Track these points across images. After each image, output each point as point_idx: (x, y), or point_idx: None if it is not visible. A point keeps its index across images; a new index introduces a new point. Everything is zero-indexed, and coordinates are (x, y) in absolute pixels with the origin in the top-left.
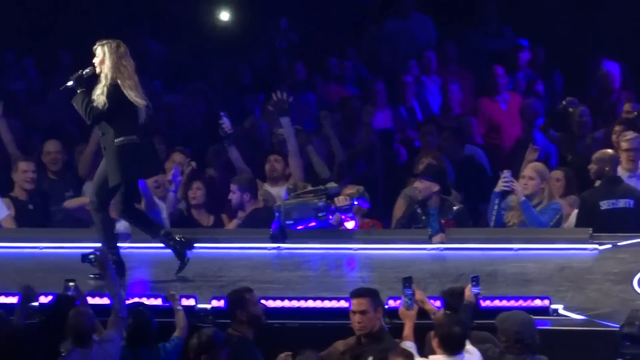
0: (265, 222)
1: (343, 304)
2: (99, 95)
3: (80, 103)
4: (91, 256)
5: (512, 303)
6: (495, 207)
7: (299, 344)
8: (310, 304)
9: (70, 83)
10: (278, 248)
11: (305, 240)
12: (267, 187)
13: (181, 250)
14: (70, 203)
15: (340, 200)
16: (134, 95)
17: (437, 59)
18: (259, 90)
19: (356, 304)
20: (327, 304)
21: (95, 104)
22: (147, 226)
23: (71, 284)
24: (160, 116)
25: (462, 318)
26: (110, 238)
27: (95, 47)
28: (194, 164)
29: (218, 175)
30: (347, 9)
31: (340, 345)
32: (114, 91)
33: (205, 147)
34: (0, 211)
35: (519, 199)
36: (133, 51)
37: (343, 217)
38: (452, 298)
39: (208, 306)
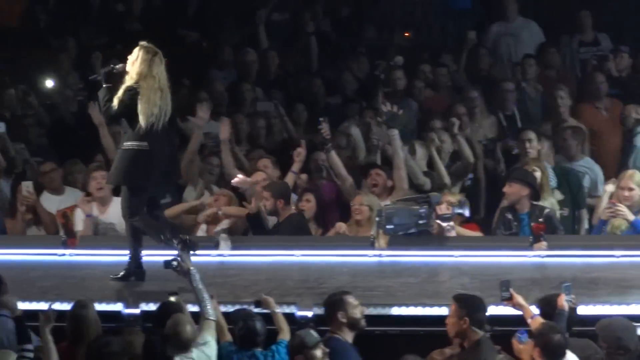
0: (300, 229)
1: (444, 310)
2: (118, 96)
3: (102, 98)
4: (174, 262)
5: (612, 309)
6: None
7: (400, 351)
8: (412, 310)
9: (99, 77)
10: (380, 255)
11: (407, 247)
12: (365, 198)
13: (135, 273)
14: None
15: (442, 209)
16: (147, 107)
17: (538, 65)
18: (362, 99)
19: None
20: (428, 310)
21: (112, 104)
22: (156, 229)
23: (172, 298)
24: (259, 123)
25: (560, 326)
26: (159, 233)
27: (135, 48)
28: (304, 176)
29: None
30: (445, 16)
31: (437, 354)
32: (131, 97)
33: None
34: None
35: (629, 220)
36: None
37: (444, 225)
38: (548, 306)
39: (309, 313)
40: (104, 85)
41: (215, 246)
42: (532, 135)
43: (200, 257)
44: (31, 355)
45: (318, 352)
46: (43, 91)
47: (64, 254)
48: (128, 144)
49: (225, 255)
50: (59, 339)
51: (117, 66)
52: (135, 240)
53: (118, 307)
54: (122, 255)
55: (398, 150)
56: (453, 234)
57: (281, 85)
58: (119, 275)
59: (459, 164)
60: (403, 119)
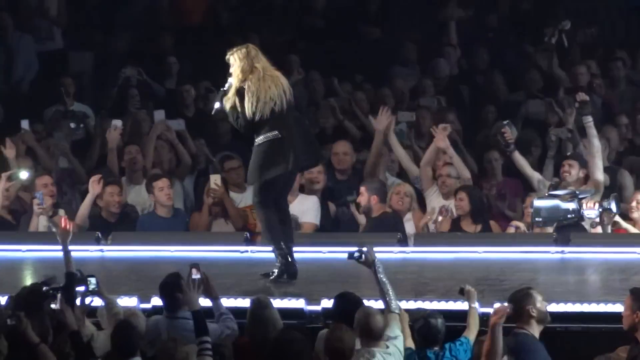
0: (392, 226)
1: None
2: (239, 104)
3: (231, 118)
4: (357, 253)
5: None
6: None
7: (582, 348)
8: (594, 307)
9: (217, 105)
10: (562, 252)
11: (587, 243)
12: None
13: (286, 270)
14: None
15: (589, 205)
16: (254, 101)
17: None
18: (546, 95)
19: None
20: (610, 307)
21: (239, 114)
22: (271, 230)
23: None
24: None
25: None
26: (276, 236)
27: (227, 57)
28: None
29: (497, 182)
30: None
31: (622, 351)
32: (241, 99)
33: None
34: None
35: None
36: None
37: (595, 220)
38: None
39: (490, 310)
40: (227, 111)
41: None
42: None
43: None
44: (209, 346)
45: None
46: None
47: (246, 251)
48: (258, 140)
49: (407, 252)
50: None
51: (226, 86)
52: (286, 237)
53: (300, 303)
54: (302, 252)
55: (592, 138)
56: (599, 230)
57: (466, 82)
58: (271, 274)
59: None
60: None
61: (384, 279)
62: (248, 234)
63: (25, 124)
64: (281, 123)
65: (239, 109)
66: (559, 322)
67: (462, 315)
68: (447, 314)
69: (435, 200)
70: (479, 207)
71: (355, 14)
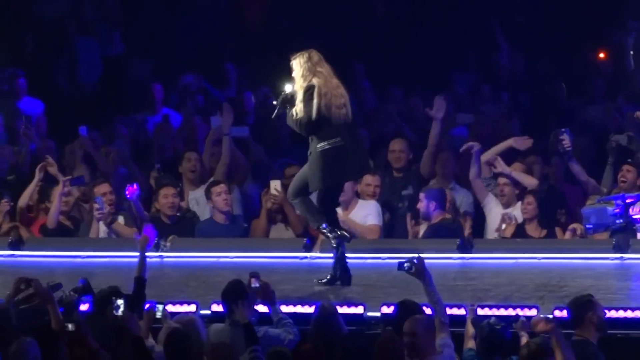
0: (452, 232)
1: None
2: (300, 107)
3: (292, 121)
4: (407, 264)
5: None
6: None
7: None
8: None
9: (278, 109)
10: (621, 258)
11: None
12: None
13: (341, 277)
14: None
15: (636, 210)
16: (322, 100)
17: None
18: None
19: None
20: None
21: (299, 117)
22: (318, 213)
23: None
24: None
25: None
26: (316, 217)
27: (290, 62)
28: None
29: (558, 187)
30: None
31: None
32: (311, 97)
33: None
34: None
35: None
36: None
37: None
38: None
39: (550, 316)
40: (287, 112)
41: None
42: None
43: (442, 259)
44: (259, 355)
45: None
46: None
47: (305, 257)
48: (320, 146)
49: (466, 258)
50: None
51: (288, 90)
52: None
53: (359, 310)
54: (361, 259)
55: None
56: None
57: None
58: (325, 280)
59: None
60: None
61: (434, 289)
62: (307, 240)
63: (83, 130)
64: (344, 130)
65: (304, 108)
66: (619, 328)
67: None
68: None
69: (495, 209)
70: (547, 212)
71: (415, 19)
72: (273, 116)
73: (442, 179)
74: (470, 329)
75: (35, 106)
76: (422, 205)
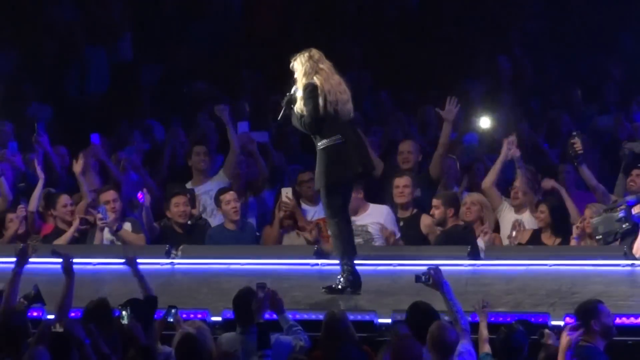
0: (462, 238)
1: None
2: (302, 105)
3: (296, 120)
4: (424, 276)
5: None
6: None
7: None
8: None
9: (284, 110)
10: (632, 265)
11: None
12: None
13: (351, 285)
14: None
15: (637, 209)
16: (326, 97)
17: None
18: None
19: None
20: None
21: (302, 115)
22: (343, 242)
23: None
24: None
25: None
26: (348, 249)
27: (291, 64)
28: (552, 182)
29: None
30: None
31: None
32: (311, 95)
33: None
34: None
35: None
36: None
37: None
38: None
39: (561, 323)
40: (292, 113)
41: None
42: None
43: (453, 266)
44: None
45: None
46: None
47: (316, 264)
48: (321, 144)
49: (477, 265)
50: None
51: (292, 91)
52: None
53: (370, 316)
54: (372, 266)
55: None
56: None
57: (539, 93)
58: (334, 287)
59: None
60: None
61: (453, 298)
62: (318, 247)
63: (95, 138)
64: (345, 128)
65: (306, 106)
66: (630, 335)
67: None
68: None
69: (507, 215)
70: (560, 220)
71: (427, 26)
72: (279, 118)
73: (446, 184)
74: (484, 333)
75: (44, 112)
76: (438, 212)
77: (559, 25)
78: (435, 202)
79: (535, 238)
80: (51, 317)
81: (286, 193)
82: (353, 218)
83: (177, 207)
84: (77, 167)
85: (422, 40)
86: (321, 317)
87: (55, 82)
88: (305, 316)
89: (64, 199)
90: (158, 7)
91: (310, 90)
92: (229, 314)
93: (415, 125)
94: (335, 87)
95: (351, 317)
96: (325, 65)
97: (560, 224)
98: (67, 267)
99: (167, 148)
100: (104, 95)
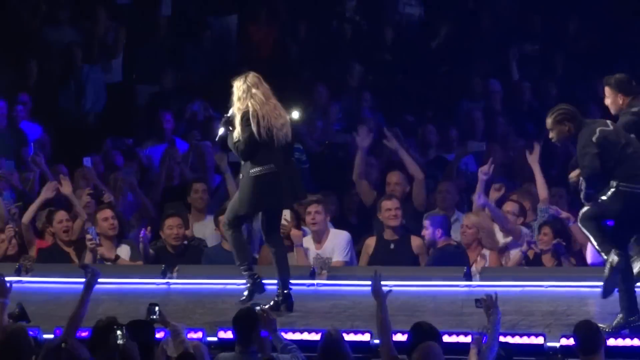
0: (455, 258)
1: None
2: (237, 130)
3: (232, 145)
4: (479, 302)
5: None
6: None
7: None
8: None
9: (221, 131)
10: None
11: None
12: None
13: (283, 301)
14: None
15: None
16: (260, 123)
17: None
18: None
19: None
20: None
21: (237, 141)
22: (242, 250)
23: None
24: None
25: None
26: (242, 256)
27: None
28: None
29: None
30: None
31: None
32: (247, 123)
33: None
34: None
35: None
36: None
37: None
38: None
39: (557, 344)
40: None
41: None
42: None
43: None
44: None
45: None
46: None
47: (312, 284)
48: (253, 172)
49: (473, 286)
50: None
51: (230, 113)
52: (281, 268)
53: (366, 337)
54: (358, 286)
55: None
56: None
57: (534, 117)
58: (269, 305)
59: None
60: None
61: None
62: (314, 268)
63: (87, 161)
64: (280, 155)
65: (242, 133)
66: (624, 357)
67: (530, 351)
68: (515, 349)
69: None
70: (560, 244)
71: (423, 48)
72: (217, 139)
73: (444, 211)
74: (473, 358)
75: (34, 131)
76: (427, 232)
77: (556, 47)
78: (425, 223)
79: (537, 261)
80: (48, 336)
81: (284, 216)
82: (316, 250)
83: (170, 229)
84: (67, 188)
85: (418, 61)
86: (317, 337)
87: (52, 101)
88: (301, 336)
89: (60, 215)
90: (154, 29)
91: (247, 118)
92: (226, 334)
93: (413, 146)
94: (270, 112)
95: (347, 338)
96: (261, 89)
97: (562, 247)
98: (89, 283)
99: (163, 168)
100: (100, 115)
